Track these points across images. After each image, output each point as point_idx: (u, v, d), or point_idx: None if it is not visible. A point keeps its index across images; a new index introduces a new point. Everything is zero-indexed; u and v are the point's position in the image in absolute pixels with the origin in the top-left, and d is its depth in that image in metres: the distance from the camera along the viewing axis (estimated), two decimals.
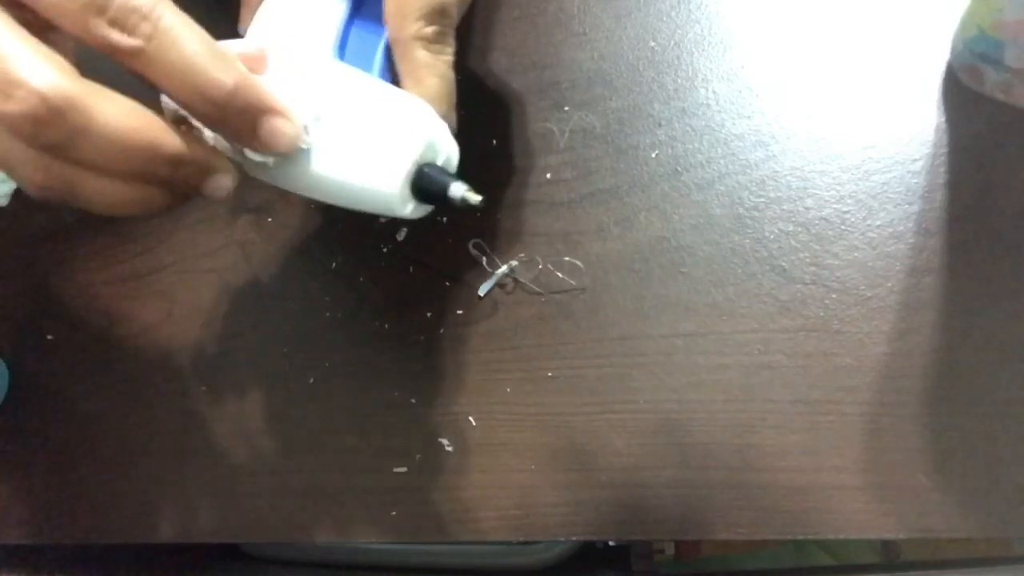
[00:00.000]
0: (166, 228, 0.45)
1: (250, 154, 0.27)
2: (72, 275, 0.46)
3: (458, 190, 0.28)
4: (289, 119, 0.25)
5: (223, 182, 0.26)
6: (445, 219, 0.41)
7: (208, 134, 0.27)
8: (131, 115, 0.22)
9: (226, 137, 0.26)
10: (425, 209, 0.30)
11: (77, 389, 0.45)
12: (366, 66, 0.31)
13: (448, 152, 0.30)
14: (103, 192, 0.23)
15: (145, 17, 0.21)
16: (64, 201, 0.23)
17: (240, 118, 0.24)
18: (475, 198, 0.28)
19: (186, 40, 0.22)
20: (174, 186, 0.25)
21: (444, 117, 0.30)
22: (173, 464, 0.42)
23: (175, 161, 0.23)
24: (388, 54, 0.32)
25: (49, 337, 0.46)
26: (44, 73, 0.21)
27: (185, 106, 0.24)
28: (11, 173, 0.23)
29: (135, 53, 0.22)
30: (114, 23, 0.21)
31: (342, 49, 0.31)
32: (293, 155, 0.27)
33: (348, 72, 0.29)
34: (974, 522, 0.33)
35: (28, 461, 0.44)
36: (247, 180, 0.44)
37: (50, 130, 0.21)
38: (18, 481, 0.44)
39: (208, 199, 0.26)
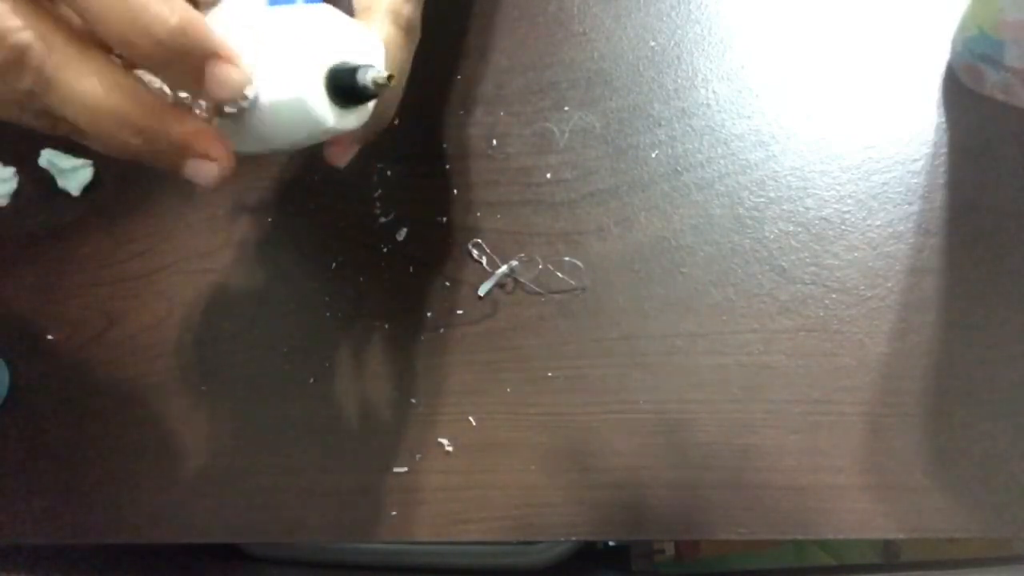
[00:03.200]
0: (166, 228, 0.45)
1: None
2: (72, 275, 0.46)
3: (365, 75, 0.26)
4: (237, 64, 0.23)
5: (203, 169, 0.25)
6: (445, 219, 0.41)
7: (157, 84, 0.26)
8: (104, 73, 0.21)
9: (169, 84, 0.25)
10: (359, 116, 0.29)
11: (77, 389, 0.45)
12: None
13: (366, 50, 0.28)
14: (78, 78, 0.21)
15: None
16: (37, 92, 0.22)
17: (184, 60, 0.22)
18: (382, 75, 0.27)
19: None
20: (156, 157, 0.24)
21: (392, 39, 0.29)
22: (173, 464, 0.42)
23: (143, 129, 0.22)
24: None
25: (49, 337, 0.46)
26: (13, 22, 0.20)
27: (124, 47, 0.22)
28: None
29: None
30: None
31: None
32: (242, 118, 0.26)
33: (265, 8, 0.28)
34: (974, 522, 0.33)
35: (28, 461, 0.44)
36: (246, 181, 0.45)
37: (12, 80, 0.20)
38: (18, 481, 0.44)
39: (194, 183, 0.25)
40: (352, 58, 0.28)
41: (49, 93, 0.21)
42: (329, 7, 0.28)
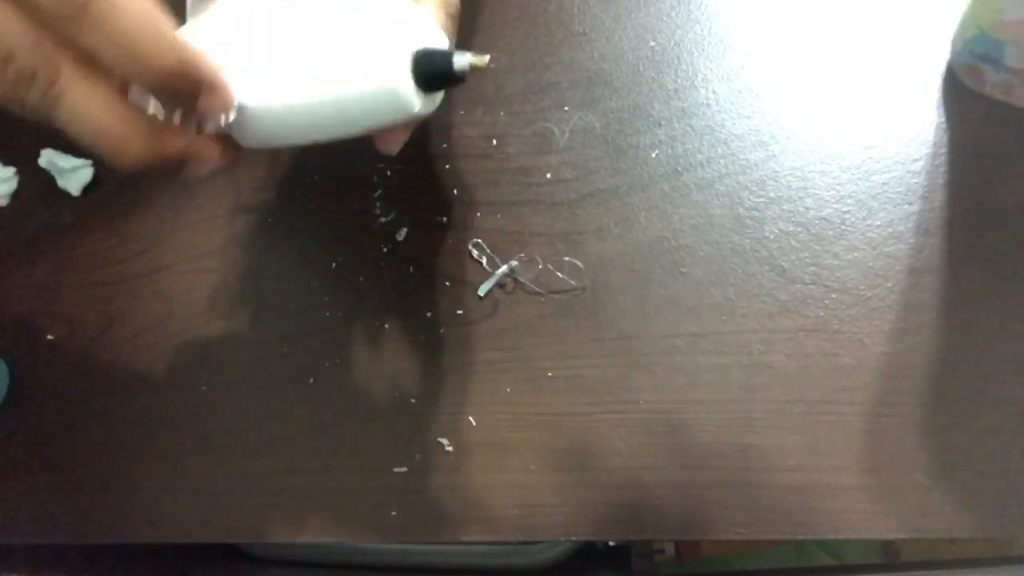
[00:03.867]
0: (166, 228, 0.45)
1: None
2: (72, 275, 0.46)
3: (463, 59, 0.26)
4: (223, 92, 0.25)
5: (201, 168, 0.27)
6: (445, 219, 0.41)
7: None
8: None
9: (164, 104, 0.26)
10: (434, 101, 0.29)
11: (77, 389, 0.45)
12: None
13: (438, 38, 0.28)
14: (84, 101, 0.23)
15: None
16: (43, 109, 0.23)
17: (179, 93, 0.24)
18: (483, 59, 0.27)
19: (125, 10, 0.21)
20: (155, 168, 0.25)
21: (444, 26, 0.29)
22: (173, 464, 0.42)
23: (142, 146, 0.24)
24: None
25: (49, 337, 0.46)
26: (37, 35, 0.21)
27: (126, 76, 0.23)
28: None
29: (71, 19, 0.21)
30: None
31: None
32: (295, 106, 0.26)
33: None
34: (974, 522, 0.33)
35: (28, 461, 0.44)
36: (246, 181, 0.45)
37: (25, 92, 0.21)
38: (18, 481, 0.44)
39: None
40: (431, 43, 0.27)
41: (55, 111, 0.22)
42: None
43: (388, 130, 0.31)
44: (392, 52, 0.26)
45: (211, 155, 0.27)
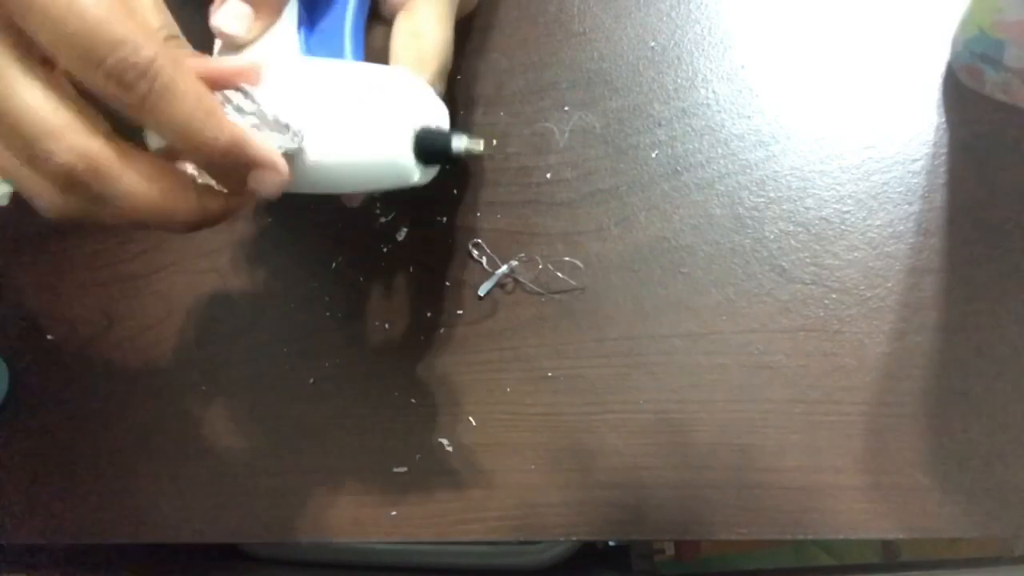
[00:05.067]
0: None
1: None
2: (72, 275, 0.46)
3: (460, 142, 0.29)
4: (276, 169, 0.26)
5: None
6: (445, 219, 0.41)
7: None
8: (153, 182, 0.23)
9: (219, 182, 0.27)
10: (432, 172, 0.31)
11: (77, 389, 0.45)
12: (337, 55, 0.32)
13: (440, 113, 0.30)
14: (124, 222, 0.24)
15: (143, 75, 0.21)
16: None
17: (230, 170, 0.25)
18: (478, 145, 0.29)
19: (182, 99, 0.22)
20: (193, 229, 0.26)
21: (433, 81, 0.31)
22: (173, 464, 0.42)
23: (190, 220, 0.25)
24: (355, 36, 0.32)
25: (49, 337, 0.46)
26: (76, 136, 0.21)
27: (183, 155, 0.25)
28: (32, 199, 0.23)
29: (132, 105, 0.22)
30: (110, 76, 0.21)
31: (307, 46, 0.32)
32: (298, 162, 0.27)
33: (324, 63, 0.30)
34: (974, 522, 0.33)
35: (28, 461, 0.44)
36: None
37: (77, 189, 0.22)
38: (18, 481, 0.44)
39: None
40: (432, 121, 0.29)
41: (109, 196, 0.23)
42: (406, 70, 0.30)
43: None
44: (398, 128, 0.28)
45: (248, 202, 0.27)
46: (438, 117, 0.30)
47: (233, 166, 0.25)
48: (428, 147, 0.29)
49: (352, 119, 0.28)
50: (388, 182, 0.29)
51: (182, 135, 0.23)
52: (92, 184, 0.22)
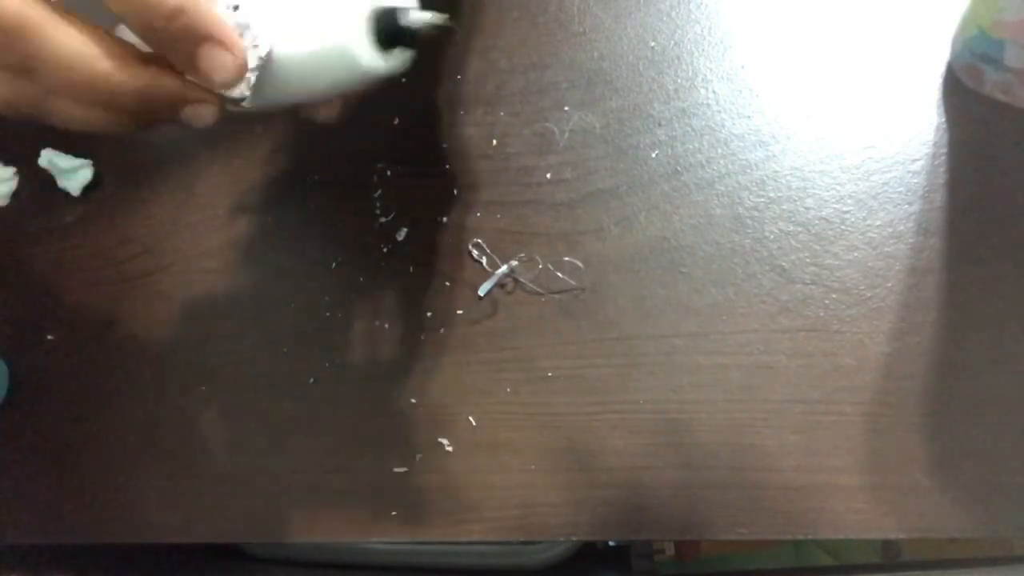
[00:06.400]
0: (166, 228, 0.45)
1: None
2: (72, 275, 0.46)
3: (418, 16, 0.27)
4: (232, 50, 0.23)
5: (199, 112, 0.24)
6: (445, 219, 0.41)
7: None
8: (87, 45, 0.21)
9: (174, 63, 0.24)
10: (399, 59, 0.28)
11: (77, 389, 0.45)
12: None
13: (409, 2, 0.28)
14: (69, 113, 0.22)
15: None
16: (33, 118, 0.22)
17: (180, 43, 0.22)
18: (441, 17, 0.27)
19: None
20: (143, 114, 0.23)
21: None
22: (173, 464, 0.42)
23: (134, 93, 0.22)
24: None
25: (49, 337, 0.46)
26: None
27: (123, 22, 0.22)
28: None
29: None
30: None
31: None
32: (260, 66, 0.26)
33: None
34: (974, 522, 0.33)
35: (28, 461, 0.44)
36: (246, 181, 0.45)
37: (4, 52, 0.20)
38: (18, 481, 0.44)
39: (187, 126, 0.25)
40: (391, 1, 0.27)
41: (41, 58, 0.21)
42: None
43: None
44: (349, 10, 0.26)
45: (209, 100, 0.24)
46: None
47: (182, 37, 0.22)
48: (384, 26, 0.26)
49: (302, 6, 0.26)
50: (349, 73, 0.27)
51: None
52: (18, 43, 0.20)
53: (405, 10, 0.27)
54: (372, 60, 0.27)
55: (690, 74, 0.39)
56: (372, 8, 0.27)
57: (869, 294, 0.35)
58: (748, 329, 0.36)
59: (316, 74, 0.27)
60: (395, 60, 0.28)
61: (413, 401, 0.39)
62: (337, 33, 0.26)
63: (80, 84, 0.21)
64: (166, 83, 0.23)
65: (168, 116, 0.24)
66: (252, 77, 0.25)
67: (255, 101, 0.27)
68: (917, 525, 0.33)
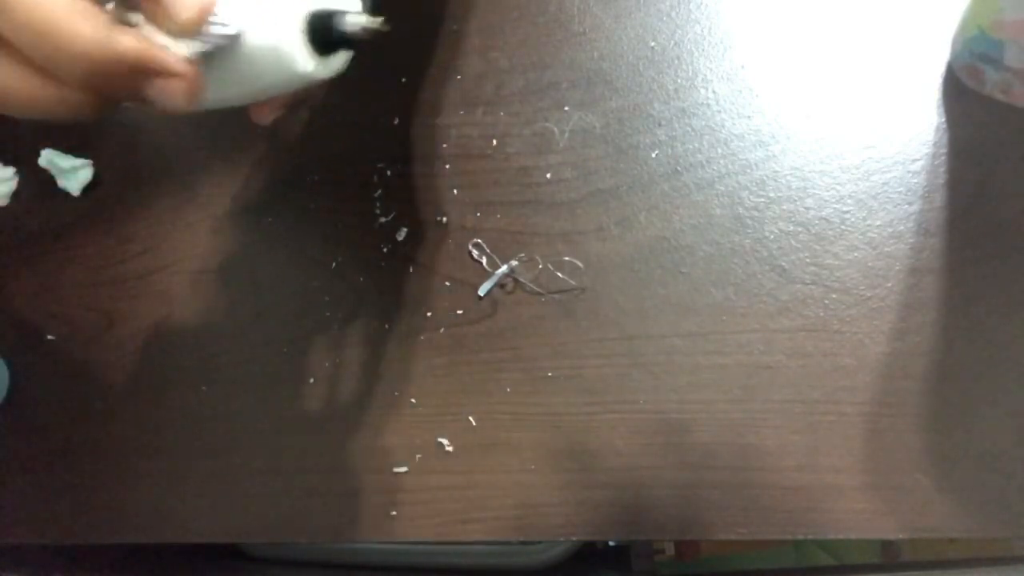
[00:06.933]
0: (166, 228, 0.45)
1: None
2: (72, 275, 0.46)
3: (355, 19, 0.26)
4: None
5: (170, 87, 0.22)
6: (445, 219, 0.41)
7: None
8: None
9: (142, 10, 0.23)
10: (337, 62, 0.28)
11: (77, 389, 0.45)
12: None
13: (350, 5, 0.27)
14: (12, 82, 0.20)
15: None
16: None
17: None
18: (375, 20, 0.26)
19: None
20: (102, 86, 0.21)
21: None
22: (173, 464, 0.42)
23: (93, 48, 0.20)
24: None
25: (49, 337, 0.46)
26: None
27: None
28: None
29: None
30: None
31: None
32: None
33: None
34: (974, 522, 0.33)
35: (28, 461, 0.44)
36: (246, 181, 0.45)
37: None
38: (19, 481, 0.44)
39: (159, 107, 0.23)
40: (331, 3, 0.27)
41: None
42: None
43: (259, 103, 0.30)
44: (285, 12, 0.26)
45: (178, 66, 0.22)
46: (345, 2, 0.27)
47: None
48: (319, 30, 0.26)
49: (240, 6, 0.25)
50: (285, 76, 0.26)
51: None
52: None
53: (341, 14, 0.26)
54: (307, 63, 0.27)
55: (690, 74, 0.39)
56: (307, 11, 0.26)
57: (869, 294, 0.35)
58: (748, 329, 0.36)
59: (252, 74, 0.26)
60: (333, 63, 0.28)
61: (413, 401, 0.39)
62: (271, 35, 0.26)
63: (33, 37, 0.20)
64: (127, 41, 0.21)
65: (131, 89, 0.22)
66: (212, 40, 0.24)
67: (215, 97, 0.26)
68: (917, 525, 0.33)
